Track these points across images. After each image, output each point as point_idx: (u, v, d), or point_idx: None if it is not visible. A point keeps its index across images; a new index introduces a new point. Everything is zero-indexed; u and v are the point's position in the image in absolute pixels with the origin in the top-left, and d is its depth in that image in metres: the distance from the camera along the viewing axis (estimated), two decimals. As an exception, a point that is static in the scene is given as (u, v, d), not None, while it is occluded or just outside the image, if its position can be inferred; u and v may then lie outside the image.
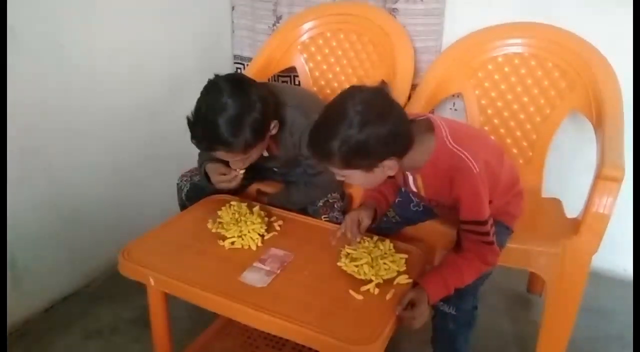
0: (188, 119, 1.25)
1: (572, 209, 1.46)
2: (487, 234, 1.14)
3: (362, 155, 1.06)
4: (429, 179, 1.20)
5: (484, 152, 1.15)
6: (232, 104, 1.21)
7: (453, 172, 1.12)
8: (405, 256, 1.21)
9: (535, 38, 1.66)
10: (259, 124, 1.25)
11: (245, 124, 1.22)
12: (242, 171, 1.40)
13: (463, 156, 1.11)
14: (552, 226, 1.46)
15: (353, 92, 1.09)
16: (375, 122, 1.04)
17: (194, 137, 1.25)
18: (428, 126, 1.15)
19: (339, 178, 1.15)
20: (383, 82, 1.38)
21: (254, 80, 1.34)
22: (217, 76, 1.26)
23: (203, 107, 1.24)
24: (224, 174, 1.41)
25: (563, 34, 1.62)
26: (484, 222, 1.13)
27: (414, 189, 1.26)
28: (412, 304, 1.08)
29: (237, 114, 1.21)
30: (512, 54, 1.69)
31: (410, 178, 1.24)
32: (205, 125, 1.22)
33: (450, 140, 1.13)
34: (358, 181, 1.16)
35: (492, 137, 1.67)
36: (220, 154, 1.29)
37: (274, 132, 1.34)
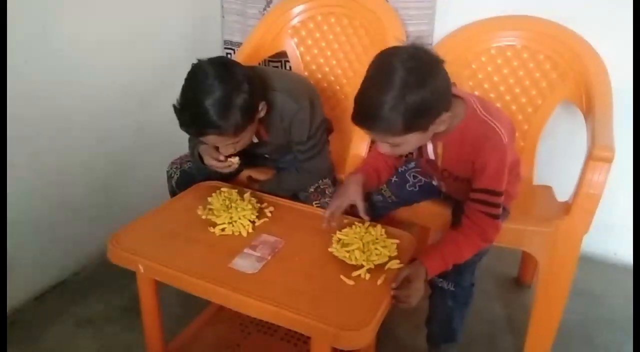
0: (174, 106, 1.23)
1: (563, 196, 1.47)
2: (497, 206, 1.15)
3: (424, 115, 1.03)
4: (453, 146, 1.18)
5: (506, 125, 1.16)
6: (218, 86, 1.18)
7: (482, 141, 1.12)
8: (397, 241, 1.21)
9: (527, 30, 1.67)
10: (247, 104, 1.23)
11: (234, 106, 1.20)
12: (237, 160, 1.38)
13: (494, 126, 1.11)
14: (544, 208, 1.50)
15: (394, 51, 1.04)
16: (431, 75, 1.01)
17: (183, 124, 1.23)
18: (455, 94, 1.14)
19: (385, 149, 1.11)
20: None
21: (238, 62, 1.31)
22: (199, 60, 1.24)
23: (189, 92, 1.22)
24: (219, 160, 1.39)
25: (554, 26, 1.63)
26: (499, 194, 1.14)
27: (432, 157, 1.25)
28: (407, 281, 1.07)
29: (225, 96, 1.19)
30: (504, 46, 1.70)
31: (430, 146, 1.23)
32: (193, 110, 1.20)
33: (481, 109, 1.13)
34: (411, 146, 1.12)
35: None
36: (211, 139, 1.26)
37: (262, 114, 1.32)
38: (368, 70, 1.06)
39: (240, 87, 1.22)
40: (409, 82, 0.98)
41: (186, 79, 1.23)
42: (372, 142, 1.37)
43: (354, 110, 1.06)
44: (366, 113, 1.04)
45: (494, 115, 1.13)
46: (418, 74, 0.99)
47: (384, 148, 1.12)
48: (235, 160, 1.38)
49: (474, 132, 1.12)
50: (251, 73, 1.28)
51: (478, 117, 1.12)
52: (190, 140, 1.50)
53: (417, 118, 1.02)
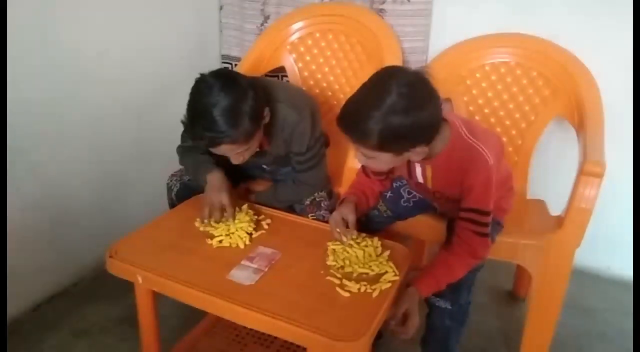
0: (183, 122, 1.25)
1: (556, 210, 1.49)
2: (485, 225, 1.17)
3: (400, 140, 1.05)
4: (440, 169, 1.21)
5: (492, 145, 1.18)
6: (225, 96, 1.20)
7: (467, 163, 1.14)
8: (388, 251, 1.23)
9: (520, 48, 1.71)
10: (254, 110, 1.25)
11: (242, 113, 1.22)
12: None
13: (479, 148, 1.13)
14: (537, 222, 1.52)
15: (397, 73, 1.07)
16: (418, 107, 1.03)
17: (195, 137, 1.25)
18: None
19: (360, 158, 1.14)
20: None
21: (239, 73, 1.33)
22: (202, 75, 1.26)
23: (198, 105, 1.23)
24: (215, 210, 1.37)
25: (546, 44, 1.68)
26: (487, 213, 1.16)
27: (421, 180, 1.27)
28: (405, 315, 1.11)
29: (232, 104, 1.21)
30: (498, 63, 1.74)
31: (419, 169, 1.25)
32: (203, 122, 1.21)
33: (465, 132, 1.15)
34: (382, 164, 1.15)
35: (498, 129, 1.74)
36: (223, 148, 1.27)
37: (267, 120, 1.34)
38: (368, 81, 1.09)
39: (246, 95, 1.24)
40: (395, 107, 1.01)
41: (191, 93, 1.25)
42: (363, 168, 1.40)
43: (340, 111, 1.09)
44: (350, 119, 1.07)
45: (478, 137, 1.15)
46: (406, 103, 1.02)
47: (358, 156, 1.15)
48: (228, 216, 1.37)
49: (460, 156, 1.15)
50: (254, 81, 1.31)
51: (463, 141, 1.14)
52: (184, 156, 1.51)
53: (391, 141, 1.05)
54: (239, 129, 1.23)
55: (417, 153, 1.10)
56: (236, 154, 1.32)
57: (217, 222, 1.33)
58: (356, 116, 1.05)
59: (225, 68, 1.35)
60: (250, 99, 1.24)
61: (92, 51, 1.70)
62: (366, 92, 1.07)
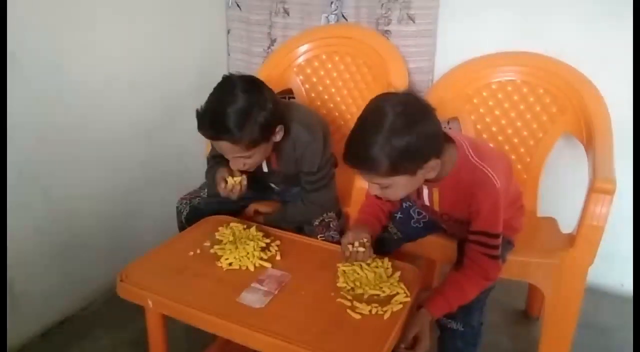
0: (197, 110, 1.27)
1: (567, 227, 1.48)
2: (495, 247, 1.16)
3: (410, 158, 1.05)
4: (447, 192, 1.20)
5: (500, 166, 1.17)
6: (243, 98, 1.23)
7: (475, 187, 1.13)
8: (399, 272, 1.22)
9: (526, 66, 1.72)
10: (267, 122, 1.26)
11: (253, 119, 1.24)
12: (244, 181, 1.41)
13: (486, 171, 1.13)
14: (549, 240, 1.50)
15: (387, 96, 1.09)
16: (419, 121, 1.04)
17: (201, 126, 1.26)
18: (447, 138, 1.16)
19: (375, 191, 1.12)
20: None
21: (266, 85, 1.35)
22: (231, 73, 1.29)
23: (215, 98, 1.26)
24: (226, 182, 1.41)
25: (552, 62, 1.68)
26: (496, 236, 1.15)
27: (427, 203, 1.27)
28: (416, 339, 1.10)
29: (247, 108, 1.23)
30: (505, 81, 1.74)
31: (426, 192, 1.25)
32: (213, 114, 1.24)
33: (472, 155, 1.15)
34: (401, 189, 1.13)
35: (506, 147, 1.73)
36: (224, 146, 1.28)
37: (278, 138, 1.35)
38: (362, 112, 1.10)
39: (264, 105, 1.26)
40: (396, 126, 1.02)
41: (214, 88, 1.28)
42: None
43: (345, 148, 1.08)
44: (355, 153, 1.07)
45: (486, 159, 1.15)
46: (405, 119, 1.02)
47: (373, 190, 1.13)
48: (238, 180, 1.40)
49: (466, 179, 1.14)
50: (277, 98, 1.33)
51: (470, 163, 1.14)
52: (207, 173, 1.53)
53: (403, 161, 1.04)
54: (244, 132, 1.24)
55: (431, 168, 1.09)
56: (235, 157, 1.33)
57: (231, 189, 1.39)
58: (361, 147, 1.05)
59: (255, 77, 1.37)
60: (266, 110, 1.26)
61: (101, 75, 1.72)
62: (364, 122, 1.08)
